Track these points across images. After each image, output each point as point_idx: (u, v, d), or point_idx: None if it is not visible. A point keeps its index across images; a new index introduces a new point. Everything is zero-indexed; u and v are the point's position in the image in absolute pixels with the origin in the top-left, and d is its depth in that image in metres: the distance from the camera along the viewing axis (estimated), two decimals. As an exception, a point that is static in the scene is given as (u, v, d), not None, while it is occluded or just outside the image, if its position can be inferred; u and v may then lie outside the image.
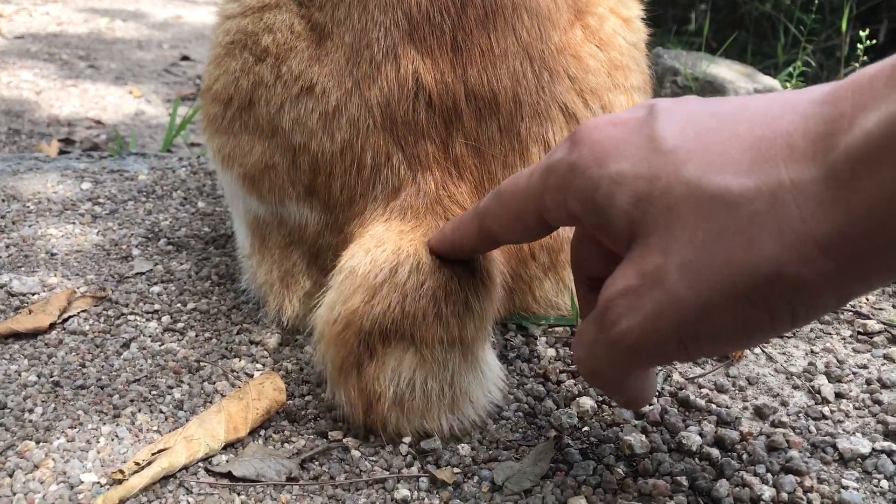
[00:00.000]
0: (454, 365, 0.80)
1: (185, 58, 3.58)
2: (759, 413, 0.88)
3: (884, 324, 1.05)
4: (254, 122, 0.97)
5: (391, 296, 0.78)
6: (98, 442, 0.83)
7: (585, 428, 0.86)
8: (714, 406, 0.89)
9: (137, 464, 0.78)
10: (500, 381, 0.87)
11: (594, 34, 0.95)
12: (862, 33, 2.09)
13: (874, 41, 2.04)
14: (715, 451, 0.82)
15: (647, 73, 1.04)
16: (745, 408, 0.90)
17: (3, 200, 1.39)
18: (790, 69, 2.24)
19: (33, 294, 1.11)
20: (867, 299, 1.11)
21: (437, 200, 0.87)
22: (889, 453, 0.81)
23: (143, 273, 1.18)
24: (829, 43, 4.80)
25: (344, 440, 0.84)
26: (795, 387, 0.93)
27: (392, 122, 0.88)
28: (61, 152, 2.30)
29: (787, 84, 2.19)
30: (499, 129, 0.89)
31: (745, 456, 0.81)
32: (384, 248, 0.81)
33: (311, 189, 0.94)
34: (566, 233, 0.96)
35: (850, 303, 1.10)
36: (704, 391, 0.93)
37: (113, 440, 0.84)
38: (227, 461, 0.80)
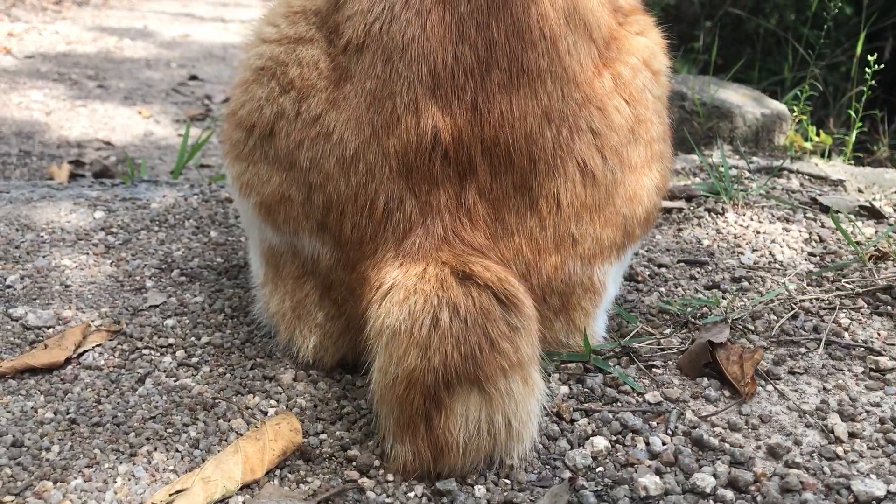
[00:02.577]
0: (518, 393, 0.82)
1: (193, 77, 3.60)
2: (773, 453, 0.88)
3: (896, 359, 1.05)
4: (273, 152, 0.98)
5: (444, 345, 0.79)
6: (115, 482, 0.84)
7: (600, 468, 0.86)
8: (727, 445, 0.90)
9: (155, 506, 0.78)
10: (545, 398, 0.88)
11: (625, 87, 0.97)
12: (870, 57, 2.10)
13: (881, 65, 2.05)
14: (729, 493, 0.82)
15: (667, 123, 1.05)
16: (759, 447, 0.90)
17: (18, 230, 1.40)
18: (797, 91, 2.24)
19: (48, 327, 1.12)
20: (879, 334, 1.11)
21: (445, 239, 0.89)
22: (904, 496, 0.81)
23: (157, 305, 1.18)
24: (835, 59, 4.81)
25: (359, 480, 0.84)
26: (808, 425, 0.94)
27: (408, 171, 0.89)
28: (72, 175, 2.32)
29: (794, 108, 2.20)
30: (513, 185, 0.91)
31: (759, 498, 0.82)
32: (415, 299, 0.82)
33: (324, 225, 0.96)
34: (578, 277, 0.97)
35: (862, 338, 1.10)
36: (718, 430, 0.93)
37: (130, 480, 0.84)
38: (244, 503, 0.81)
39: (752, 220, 1.48)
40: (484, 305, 0.81)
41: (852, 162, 2.34)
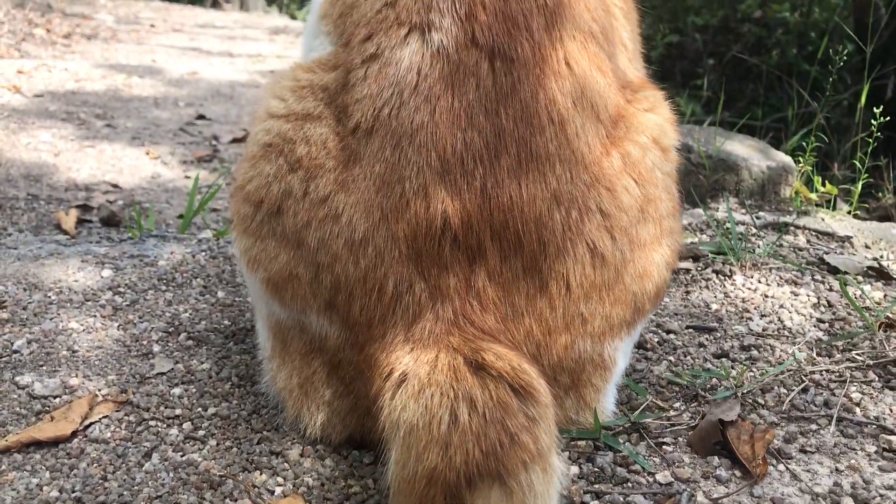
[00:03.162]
0: (538, 484, 0.81)
1: (200, 116, 3.63)
2: (787, 541, 0.87)
3: (908, 438, 1.04)
4: (281, 229, 0.98)
5: (465, 443, 0.79)
6: (120, 571, 0.83)
7: (611, 558, 0.85)
8: (740, 533, 0.88)
9: None
10: (564, 481, 0.87)
11: (634, 167, 0.97)
12: (876, 109, 2.11)
13: (881, 106, 2.06)
14: (743, 588, 0.81)
15: (676, 198, 1.05)
16: (772, 535, 0.89)
17: (26, 289, 1.40)
18: (803, 142, 2.25)
19: (55, 396, 1.12)
20: (891, 410, 1.10)
21: (455, 323, 0.89)
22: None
23: (164, 373, 1.18)
24: (838, 97, 4.83)
25: (367, 570, 0.83)
26: (822, 511, 0.92)
27: (417, 255, 0.90)
28: (80, 221, 2.33)
29: (800, 159, 2.20)
30: (522, 268, 0.91)
31: (773, 592, 0.80)
32: (430, 392, 0.81)
33: (332, 305, 0.95)
34: (588, 354, 0.97)
35: (874, 414, 1.09)
36: (730, 515, 0.92)
37: (135, 568, 0.83)
38: None
39: (759, 282, 1.47)
40: (501, 398, 0.81)
41: (858, 213, 2.34)
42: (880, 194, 2.80)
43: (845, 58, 2.25)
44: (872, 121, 2.10)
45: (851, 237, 1.78)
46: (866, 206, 2.61)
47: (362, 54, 0.96)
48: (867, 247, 1.79)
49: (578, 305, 0.94)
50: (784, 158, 2.12)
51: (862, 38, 5.56)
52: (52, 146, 3.04)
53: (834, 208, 2.34)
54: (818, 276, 1.51)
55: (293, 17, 10.63)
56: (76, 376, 1.16)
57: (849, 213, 2.30)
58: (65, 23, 6.92)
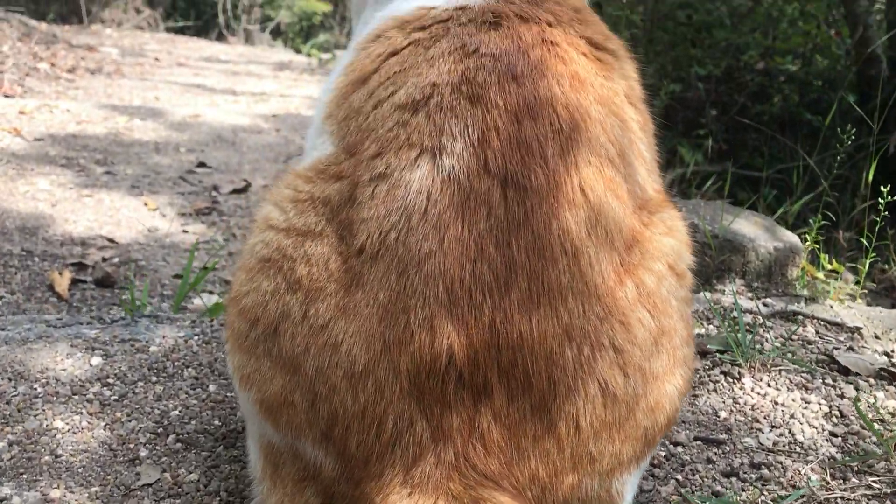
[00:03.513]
0: None
1: (201, 164, 3.60)
2: None
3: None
4: (277, 351, 0.94)
5: None
6: None
7: None
8: None
9: None
10: None
11: (649, 297, 0.93)
12: (883, 188, 2.08)
13: (886, 162, 2.03)
14: None
15: (690, 323, 1.02)
16: None
17: (11, 379, 1.36)
18: (809, 205, 2.22)
19: (34, 512, 1.07)
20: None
21: (456, 467, 0.85)
22: None
23: (150, 484, 1.13)
24: (840, 150, 4.81)
25: None
26: None
27: (420, 392, 0.85)
28: (74, 282, 2.29)
29: (807, 238, 2.17)
30: (530, 408, 0.86)
31: None
32: None
33: (328, 436, 0.91)
34: (595, 492, 0.92)
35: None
36: None
37: None
38: None
39: (769, 385, 1.43)
40: None
41: (866, 290, 2.30)
42: (887, 265, 2.77)
43: (845, 106, 2.23)
44: (880, 199, 2.07)
45: (861, 328, 1.74)
46: (873, 284, 2.57)
47: (371, 171, 0.92)
48: (877, 337, 1.75)
49: (587, 445, 0.90)
50: (791, 238, 2.08)
51: (864, 89, 5.58)
52: (50, 195, 3.01)
53: (838, 279, 2.31)
54: (829, 380, 1.46)
55: (298, 52, 10.70)
56: (58, 487, 1.11)
57: (856, 282, 2.26)
58: (70, 55, 6.94)
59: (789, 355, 1.54)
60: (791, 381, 1.45)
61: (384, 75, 0.99)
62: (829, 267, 2.23)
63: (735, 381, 1.45)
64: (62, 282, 2.20)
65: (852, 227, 3.38)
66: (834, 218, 2.69)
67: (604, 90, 0.98)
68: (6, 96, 4.93)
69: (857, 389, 1.44)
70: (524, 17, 1.01)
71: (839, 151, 2.50)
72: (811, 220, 2.18)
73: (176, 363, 1.44)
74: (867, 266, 2.18)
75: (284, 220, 0.98)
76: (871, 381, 1.49)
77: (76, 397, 1.32)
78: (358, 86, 1.01)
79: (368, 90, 0.99)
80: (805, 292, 2.00)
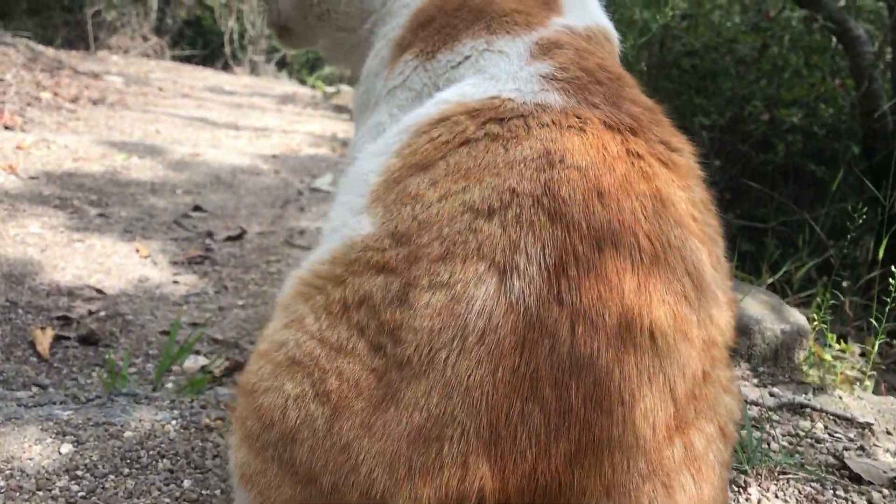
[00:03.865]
0: None
1: (197, 208, 3.55)
2: None
3: None
4: (290, 458, 0.86)
5: None
6: None
7: None
8: None
9: None
10: None
11: (695, 461, 0.85)
12: (893, 280, 2.01)
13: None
14: None
15: (726, 490, 0.94)
16: None
17: (-27, 469, 1.28)
18: (818, 299, 2.16)
19: None
20: None
21: None
22: None
23: None
24: (844, 204, 4.75)
25: None
26: None
27: None
28: (57, 338, 2.22)
29: (815, 317, 2.11)
30: None
31: None
32: None
33: None
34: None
35: None
36: None
37: None
38: None
39: (776, 497, 1.35)
40: None
41: (874, 374, 2.23)
42: (894, 341, 2.70)
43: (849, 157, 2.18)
44: (891, 280, 2.00)
45: (872, 424, 1.66)
46: (881, 367, 2.50)
47: (431, 276, 0.84)
48: (888, 433, 1.67)
49: None
50: (798, 319, 2.02)
51: (869, 142, 5.53)
52: (41, 239, 2.95)
53: (846, 354, 2.24)
54: (840, 491, 1.38)
55: (303, 83, 10.74)
56: None
57: (863, 358, 2.19)
58: (73, 84, 6.93)
59: (797, 459, 1.46)
60: (800, 493, 1.37)
61: (454, 166, 0.91)
62: (837, 347, 2.16)
63: (741, 490, 1.37)
64: (44, 340, 2.13)
65: (858, 293, 3.31)
66: (838, 277, 2.62)
67: (683, 206, 0.92)
68: (6, 127, 4.90)
69: (869, 502, 1.36)
70: (609, 123, 0.95)
71: (849, 229, 2.44)
72: (817, 285, 2.11)
73: (151, 452, 1.37)
74: (875, 346, 2.11)
75: (317, 328, 0.91)
76: (885, 491, 1.41)
77: (41, 493, 1.24)
78: (417, 170, 0.94)
79: (432, 178, 0.92)
80: (813, 377, 1.93)
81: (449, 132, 0.95)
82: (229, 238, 3.25)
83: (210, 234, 3.27)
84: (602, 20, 1.20)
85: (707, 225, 0.97)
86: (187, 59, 10.61)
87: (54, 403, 1.50)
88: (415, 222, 0.89)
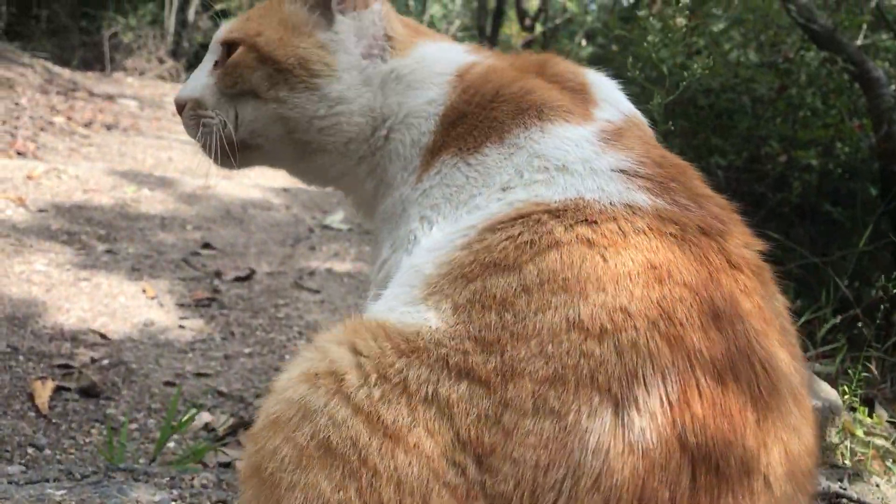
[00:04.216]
0: None
1: (206, 245, 3.49)
2: None
3: None
4: None
5: None
6: None
7: None
8: None
9: None
10: None
11: None
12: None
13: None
14: None
15: None
16: None
17: (-42, 559, 1.20)
18: (849, 370, 2.07)
19: None
20: None
21: None
22: None
23: None
24: (866, 248, 4.65)
25: None
26: None
27: None
28: (57, 389, 2.15)
29: (846, 390, 2.02)
30: None
31: None
32: None
33: None
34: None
35: None
36: None
37: None
38: None
39: None
40: None
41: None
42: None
43: (866, 198, 2.10)
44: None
45: (910, 516, 1.57)
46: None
47: (536, 399, 0.75)
48: (927, 526, 1.57)
49: None
50: (830, 395, 1.92)
51: (888, 184, 5.45)
52: (46, 277, 2.89)
53: (872, 414, 2.15)
54: None
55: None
56: None
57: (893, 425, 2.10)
58: (88, 107, 6.94)
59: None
60: None
61: (547, 273, 0.83)
62: (871, 421, 2.07)
63: None
64: (43, 393, 2.06)
65: (881, 342, 3.21)
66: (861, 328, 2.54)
67: (777, 323, 0.86)
68: (18, 154, 4.88)
69: None
70: (703, 228, 0.88)
71: (874, 286, 2.35)
72: (839, 335, 2.03)
73: (147, 540, 1.29)
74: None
75: (366, 397, 0.78)
76: None
77: (28, 590, 1.17)
78: (497, 271, 0.85)
79: (522, 284, 0.83)
80: (846, 460, 1.84)
81: (532, 232, 0.87)
82: (238, 279, 3.19)
83: (218, 274, 3.20)
84: (632, 107, 1.15)
85: (791, 335, 0.91)
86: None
87: (47, 481, 1.42)
88: (506, 332, 0.79)
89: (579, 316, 0.78)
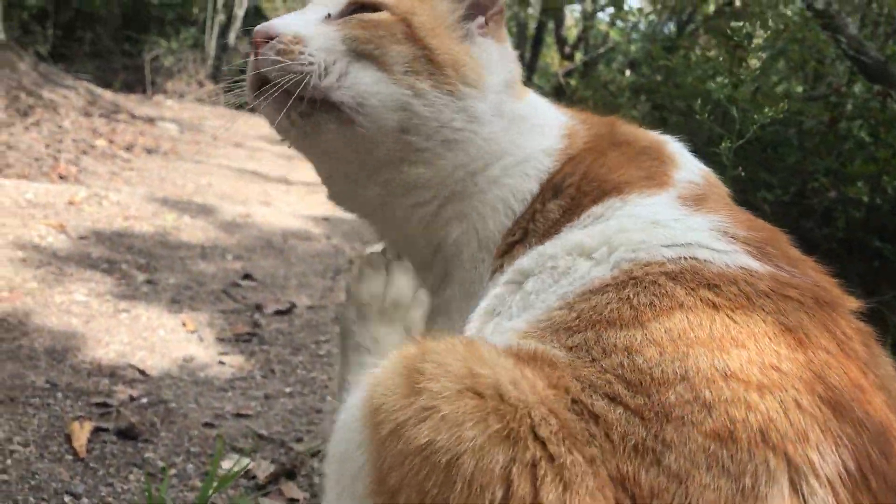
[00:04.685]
0: None
1: (246, 276, 3.44)
2: None
3: None
4: None
5: None
6: None
7: None
8: None
9: None
10: None
11: None
12: None
13: None
14: None
15: None
16: None
17: None
18: None
19: None
20: None
21: None
22: None
23: None
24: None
25: None
26: None
27: None
28: (95, 430, 2.08)
29: None
30: None
31: None
32: None
33: None
34: None
35: None
36: None
37: None
38: None
39: None
40: None
41: None
42: None
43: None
44: None
45: None
46: None
47: (707, 454, 0.67)
48: None
49: None
50: None
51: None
52: (86, 308, 2.85)
53: None
54: None
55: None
56: None
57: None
58: (129, 130, 7.00)
59: None
60: None
61: (678, 332, 0.75)
62: None
63: None
64: (81, 436, 1.99)
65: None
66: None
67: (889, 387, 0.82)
68: (61, 177, 4.91)
69: None
70: (818, 299, 0.83)
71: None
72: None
73: None
74: None
75: (481, 427, 0.69)
76: None
77: None
78: (612, 327, 0.78)
79: (649, 338, 0.75)
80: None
81: (647, 293, 0.80)
82: (278, 312, 3.12)
83: (259, 307, 3.14)
84: (705, 167, 1.11)
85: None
86: (241, 106, 10.72)
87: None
88: (644, 375, 0.72)
89: (728, 365, 0.71)
